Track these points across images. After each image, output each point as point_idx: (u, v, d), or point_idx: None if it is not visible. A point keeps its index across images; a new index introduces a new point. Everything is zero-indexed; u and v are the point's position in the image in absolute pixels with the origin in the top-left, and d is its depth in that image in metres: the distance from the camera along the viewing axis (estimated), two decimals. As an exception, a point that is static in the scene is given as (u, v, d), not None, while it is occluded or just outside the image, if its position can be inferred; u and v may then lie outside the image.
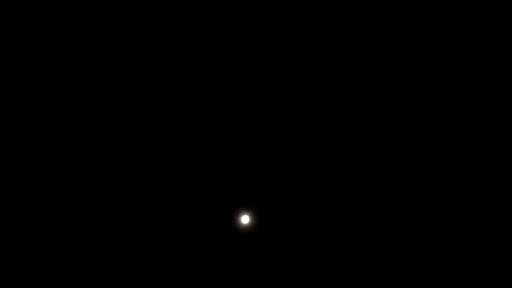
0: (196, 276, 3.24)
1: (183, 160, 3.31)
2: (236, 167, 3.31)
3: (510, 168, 3.25)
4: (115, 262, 3.26)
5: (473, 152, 3.29)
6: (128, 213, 3.28)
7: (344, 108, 3.33)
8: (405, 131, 3.31)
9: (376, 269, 3.23)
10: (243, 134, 3.33)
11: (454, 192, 3.26)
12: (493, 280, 3.19)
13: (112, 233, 3.28)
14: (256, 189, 3.30)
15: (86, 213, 3.29)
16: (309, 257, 3.25)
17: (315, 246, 3.25)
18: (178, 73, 3.37)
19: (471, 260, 3.21)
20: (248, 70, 3.36)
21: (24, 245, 3.26)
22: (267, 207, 3.28)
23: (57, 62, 3.36)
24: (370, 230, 3.26)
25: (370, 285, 3.22)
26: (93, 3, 3.35)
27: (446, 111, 3.31)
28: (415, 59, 3.34)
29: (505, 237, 3.21)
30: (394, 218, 3.26)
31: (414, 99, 3.32)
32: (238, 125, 3.34)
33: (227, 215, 3.26)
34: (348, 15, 3.35)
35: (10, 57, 3.34)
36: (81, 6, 3.35)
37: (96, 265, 3.25)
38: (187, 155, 3.32)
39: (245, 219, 3.24)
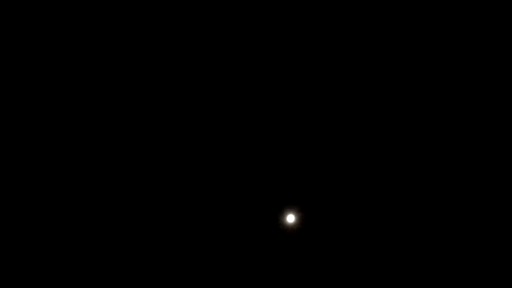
0: (244, 274, 3.27)
1: (231, 160, 3.33)
2: (283, 168, 3.34)
3: (510, 168, 3.32)
4: (161, 260, 3.27)
5: (473, 151, 3.34)
6: (177, 210, 3.30)
7: (385, 112, 3.40)
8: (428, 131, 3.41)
9: (425, 267, 3.31)
10: (289, 136, 3.38)
11: (461, 191, 3.35)
12: (493, 280, 3.26)
13: (157, 232, 3.28)
14: (302, 189, 3.35)
15: (118, 212, 3.29)
16: (352, 256, 3.31)
17: (359, 246, 3.32)
18: (221, 75, 3.38)
19: (471, 259, 3.28)
20: (294, 72, 3.40)
21: (24, 245, 3.24)
22: (312, 206, 3.33)
23: (57, 62, 3.33)
24: (412, 230, 3.32)
25: (415, 283, 3.30)
26: (93, 3, 3.34)
27: (447, 110, 3.37)
28: (416, 59, 3.38)
29: (505, 237, 3.28)
30: (436, 217, 3.35)
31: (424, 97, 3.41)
32: (285, 126, 3.38)
33: (273, 214, 3.29)
34: (348, 15, 3.37)
35: (10, 57, 3.28)
36: (81, 6, 3.32)
37: (142, 262, 3.25)
38: (236, 155, 3.34)
39: (290, 218, 3.27)
